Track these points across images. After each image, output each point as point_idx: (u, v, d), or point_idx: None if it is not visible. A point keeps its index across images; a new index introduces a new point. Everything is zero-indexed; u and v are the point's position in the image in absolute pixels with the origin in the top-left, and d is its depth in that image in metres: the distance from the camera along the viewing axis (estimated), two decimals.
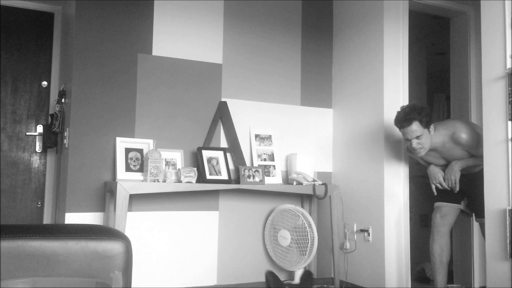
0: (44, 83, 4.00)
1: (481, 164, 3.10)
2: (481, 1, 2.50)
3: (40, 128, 3.94)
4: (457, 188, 3.10)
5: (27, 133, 3.94)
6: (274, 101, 3.94)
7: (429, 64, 5.17)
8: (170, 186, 3.20)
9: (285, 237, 3.59)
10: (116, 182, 3.02)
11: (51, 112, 3.83)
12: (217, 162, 3.51)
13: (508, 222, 2.25)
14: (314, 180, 3.62)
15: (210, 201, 3.65)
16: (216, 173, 3.47)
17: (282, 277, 3.76)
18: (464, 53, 3.94)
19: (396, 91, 3.57)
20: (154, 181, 3.16)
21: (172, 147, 3.51)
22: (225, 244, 3.66)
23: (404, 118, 3.03)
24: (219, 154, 3.54)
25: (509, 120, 2.32)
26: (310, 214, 3.69)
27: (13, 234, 1.54)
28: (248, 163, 3.70)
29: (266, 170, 3.71)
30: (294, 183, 3.65)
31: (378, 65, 3.62)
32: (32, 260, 1.51)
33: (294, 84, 4.04)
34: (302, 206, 3.86)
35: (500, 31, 2.37)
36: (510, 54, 2.34)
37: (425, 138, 3.02)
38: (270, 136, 3.86)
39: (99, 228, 1.88)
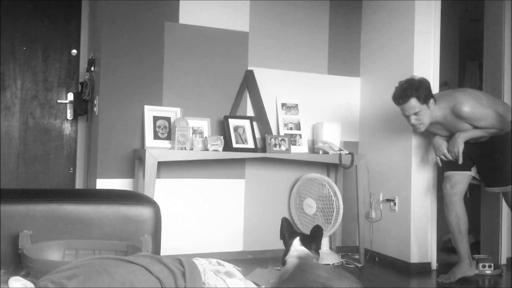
0: (74, 51, 4.06)
1: (487, 136, 3.03)
2: None
3: (70, 96, 4.02)
4: (461, 160, 3.03)
5: (58, 101, 4.03)
6: (301, 69, 3.90)
7: (462, 31, 5.01)
8: (197, 154, 3.24)
9: (311, 206, 3.61)
10: (145, 150, 3.07)
11: (81, 80, 3.89)
12: (244, 131, 3.53)
13: None
14: (340, 150, 3.61)
15: (237, 169, 3.69)
16: (243, 141, 3.49)
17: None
18: (498, 19, 3.80)
19: (426, 60, 3.49)
20: (182, 149, 3.20)
21: (199, 115, 3.54)
22: (251, 212, 3.72)
23: (401, 94, 2.96)
24: (246, 123, 3.56)
25: None
26: (335, 183, 3.70)
27: (48, 198, 1.60)
28: (274, 132, 3.71)
29: (292, 139, 3.71)
30: (320, 152, 3.65)
31: (408, 32, 3.53)
32: (66, 223, 1.57)
33: (321, 52, 3.98)
34: (328, 175, 3.87)
35: None
36: None
37: (423, 114, 2.94)
38: (297, 105, 3.85)
39: (130, 193, 1.93)
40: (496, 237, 3.62)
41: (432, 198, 3.49)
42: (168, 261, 1.20)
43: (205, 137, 3.38)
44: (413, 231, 3.45)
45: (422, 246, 3.47)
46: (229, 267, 1.28)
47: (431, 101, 2.96)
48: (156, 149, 3.19)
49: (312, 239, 1.78)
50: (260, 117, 3.68)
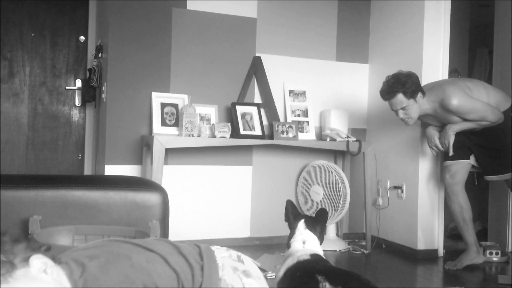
0: (82, 38, 4.06)
1: (479, 128, 3.00)
2: None
3: (79, 83, 4.03)
4: (451, 152, 3.02)
5: (67, 87, 4.04)
6: (309, 56, 3.88)
7: (472, 17, 4.94)
8: (204, 141, 3.25)
9: (318, 193, 3.62)
10: (153, 136, 3.09)
11: (89, 66, 3.90)
12: (251, 118, 3.52)
13: None
14: (348, 137, 3.61)
15: (244, 156, 3.70)
16: (250, 128, 3.49)
17: None
18: (509, 4, 3.74)
19: (436, 46, 3.45)
20: (189, 136, 3.21)
21: (207, 102, 3.54)
22: (258, 198, 3.74)
23: (387, 90, 2.95)
24: (253, 110, 3.56)
25: None
26: (343, 170, 3.70)
27: (57, 184, 1.61)
28: (281, 119, 3.71)
29: (300, 126, 3.71)
30: (328, 139, 3.64)
31: (418, 18, 3.49)
32: (74, 208, 1.58)
33: (329, 39, 3.96)
34: (335, 162, 3.86)
35: None
36: None
37: (411, 108, 2.93)
38: (304, 92, 3.84)
39: (138, 180, 1.95)
40: (504, 224, 3.61)
41: (440, 185, 3.48)
42: (187, 252, 1.17)
43: (213, 124, 3.39)
44: (420, 218, 3.45)
45: (429, 233, 3.47)
46: (248, 262, 1.25)
47: (419, 95, 2.93)
48: (164, 135, 3.20)
49: (317, 222, 1.78)
50: (268, 104, 3.67)
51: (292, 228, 1.80)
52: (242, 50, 3.68)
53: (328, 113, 3.76)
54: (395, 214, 3.67)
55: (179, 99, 3.44)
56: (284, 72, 3.79)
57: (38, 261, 0.98)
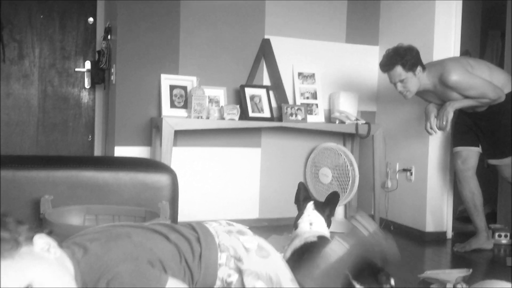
0: (90, 19, 4.05)
1: (480, 106, 2.95)
2: None
3: (88, 65, 4.04)
4: (448, 129, 2.95)
5: (76, 69, 4.05)
6: (318, 38, 3.85)
7: None
8: (213, 123, 3.25)
9: (326, 175, 3.62)
10: (162, 118, 3.10)
11: (98, 48, 3.90)
12: (260, 100, 3.52)
13: None
14: (357, 119, 3.59)
15: (253, 138, 3.70)
16: (259, 110, 3.49)
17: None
18: None
19: (447, 28, 3.41)
20: (198, 118, 3.22)
21: (215, 84, 3.53)
22: (267, 180, 3.75)
23: (386, 62, 2.94)
24: (262, 92, 3.55)
25: None
26: (352, 152, 3.69)
27: (68, 165, 1.63)
28: (290, 101, 3.70)
29: (309, 109, 3.70)
30: (337, 122, 3.63)
31: (429, 0, 3.44)
32: (85, 189, 1.60)
33: (339, 21, 3.91)
34: (344, 145, 3.86)
35: None
36: None
37: (409, 81, 2.91)
38: (313, 74, 3.81)
39: (147, 161, 1.96)
40: None
41: (449, 168, 3.46)
42: (182, 229, 1.22)
43: (221, 106, 3.39)
44: (429, 200, 3.45)
45: (437, 215, 3.47)
46: (239, 226, 1.31)
47: (418, 69, 2.91)
48: (173, 117, 3.21)
49: (326, 205, 1.79)
50: (277, 86, 3.66)
51: (301, 209, 1.81)
52: (251, 32, 3.65)
53: (337, 95, 3.74)
54: (403, 197, 3.67)
55: (188, 81, 3.44)
56: (293, 54, 3.77)
57: (42, 240, 1.01)
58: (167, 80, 3.41)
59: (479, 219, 3.10)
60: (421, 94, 3.08)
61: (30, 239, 0.99)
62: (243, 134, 3.66)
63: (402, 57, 2.88)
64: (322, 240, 1.62)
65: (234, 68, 3.61)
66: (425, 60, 3.13)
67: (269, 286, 1.18)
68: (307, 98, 3.75)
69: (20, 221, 1.02)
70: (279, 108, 3.56)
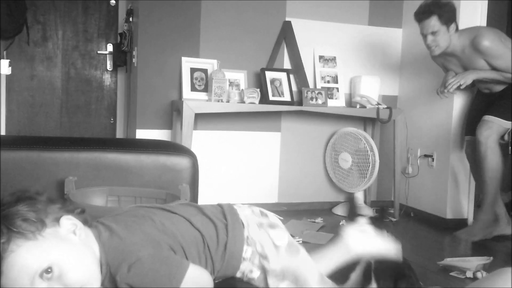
0: (113, 1, 4.07)
1: (501, 80, 2.86)
2: None
3: (110, 47, 4.06)
4: (462, 87, 2.87)
5: (98, 52, 4.08)
6: (340, 20, 3.80)
7: None
8: (233, 106, 3.26)
9: (346, 160, 3.61)
10: (182, 102, 3.11)
11: (120, 31, 3.92)
12: (280, 84, 3.50)
13: None
14: (378, 104, 3.55)
15: (273, 122, 3.70)
16: (279, 94, 3.48)
17: (341, 198, 3.83)
18: None
19: (473, 13, 3.32)
20: (218, 101, 3.23)
21: (236, 67, 3.53)
22: (286, 164, 3.75)
23: (423, 9, 2.84)
24: (282, 76, 3.53)
25: None
26: (372, 137, 3.66)
27: (91, 146, 1.65)
28: (311, 85, 3.67)
29: (329, 93, 3.67)
30: (358, 106, 3.60)
31: None
32: (108, 170, 1.62)
33: (362, 2, 3.85)
34: (365, 130, 3.83)
35: None
36: None
37: (441, 36, 2.82)
38: (335, 57, 3.77)
39: (168, 143, 1.98)
40: None
41: None
42: (210, 213, 1.19)
43: (242, 89, 3.38)
44: (450, 187, 3.41)
45: (458, 202, 3.44)
46: (272, 216, 1.26)
47: (453, 25, 2.83)
48: (193, 101, 3.23)
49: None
50: (297, 69, 3.64)
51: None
52: (272, 15, 3.62)
53: (358, 79, 3.70)
54: (424, 183, 3.64)
55: (209, 64, 3.44)
56: (314, 37, 3.73)
57: (68, 221, 1.02)
58: (188, 63, 3.41)
59: (499, 207, 3.06)
60: (444, 59, 3.01)
61: (57, 221, 1.00)
62: (263, 118, 3.66)
63: (441, 8, 2.80)
64: None
65: (254, 51, 3.59)
66: None
67: (294, 286, 1.15)
68: (328, 82, 3.72)
69: (52, 200, 1.04)
70: (300, 92, 3.54)
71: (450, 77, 2.96)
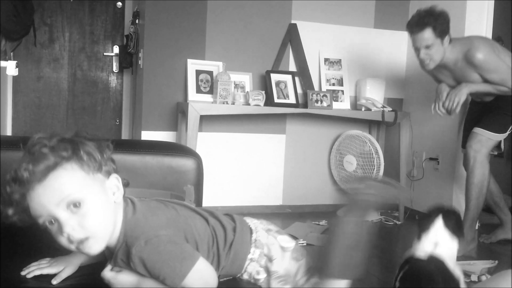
0: (119, 4, 4.09)
1: (494, 93, 2.77)
2: None
3: (116, 49, 4.08)
4: (457, 111, 2.78)
5: (105, 54, 4.10)
6: (345, 23, 3.80)
7: None
8: (238, 108, 3.26)
9: (351, 163, 3.61)
10: (188, 103, 3.12)
11: (126, 33, 3.94)
12: (285, 86, 3.51)
13: None
14: (383, 106, 3.55)
15: (277, 125, 3.70)
16: (284, 96, 3.48)
17: (344, 200, 3.82)
18: None
19: (480, 13, 3.31)
20: (223, 103, 3.23)
21: (241, 70, 3.53)
22: (291, 167, 3.75)
23: (417, 22, 2.69)
24: (288, 78, 3.54)
25: None
26: (377, 140, 3.66)
27: None
28: (316, 88, 3.68)
29: (334, 95, 3.67)
30: (363, 109, 3.59)
31: None
32: None
33: (368, 5, 3.85)
34: (370, 133, 3.82)
35: None
36: None
37: (435, 49, 2.69)
38: (340, 60, 3.78)
39: (173, 145, 1.99)
40: None
41: None
42: (221, 217, 1.22)
43: (247, 91, 3.39)
44: (455, 190, 3.40)
45: (464, 206, 3.42)
46: (278, 228, 1.29)
47: (446, 37, 2.71)
48: (199, 102, 3.24)
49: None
50: (302, 72, 3.64)
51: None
52: (278, 17, 3.63)
53: (363, 82, 3.70)
54: (429, 186, 3.63)
55: (214, 66, 3.45)
56: (319, 40, 3.74)
57: (116, 181, 1.08)
58: (193, 65, 3.42)
59: (503, 214, 3.04)
60: (436, 71, 2.90)
61: (108, 174, 1.07)
62: (268, 120, 3.66)
63: (435, 19, 2.67)
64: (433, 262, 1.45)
65: (260, 54, 3.60)
66: None
67: None
68: (333, 84, 3.72)
69: (112, 158, 1.10)
70: (305, 94, 3.54)
71: (444, 94, 2.87)
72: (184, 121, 3.28)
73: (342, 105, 3.69)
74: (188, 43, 3.46)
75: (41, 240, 1.09)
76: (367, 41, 3.87)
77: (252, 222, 1.25)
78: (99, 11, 4.06)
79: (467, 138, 2.88)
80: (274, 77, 3.50)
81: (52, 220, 0.99)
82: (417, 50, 2.78)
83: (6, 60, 3.03)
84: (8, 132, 3.74)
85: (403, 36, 3.95)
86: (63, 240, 1.00)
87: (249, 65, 3.57)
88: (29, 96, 3.94)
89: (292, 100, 3.48)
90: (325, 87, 3.68)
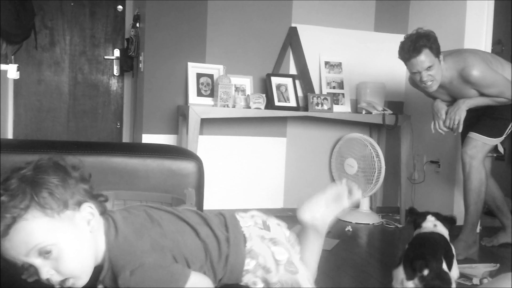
0: (120, 7, 4.10)
1: (494, 104, 2.72)
2: None
3: (117, 52, 4.09)
4: (460, 129, 2.74)
5: (105, 57, 4.11)
6: (346, 26, 3.80)
7: None
8: (239, 112, 3.27)
9: (352, 166, 3.60)
10: (188, 107, 3.12)
11: (126, 36, 3.95)
12: (286, 89, 3.51)
13: None
14: (384, 109, 3.55)
15: (278, 128, 3.70)
16: (285, 100, 3.48)
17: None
18: None
19: (480, 16, 3.32)
20: (224, 106, 3.23)
21: (242, 73, 3.54)
22: (292, 170, 3.75)
23: (412, 47, 2.60)
24: (288, 81, 3.54)
25: None
26: (378, 143, 3.65)
27: (97, 150, 1.66)
28: (317, 91, 3.68)
29: (335, 98, 3.67)
30: (363, 112, 3.59)
31: None
32: (114, 174, 1.63)
33: (368, 8, 3.86)
34: (371, 136, 3.82)
35: None
36: None
37: (436, 69, 2.62)
38: (340, 63, 3.78)
39: (174, 148, 1.98)
40: None
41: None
42: (214, 225, 1.17)
43: (248, 94, 3.39)
44: (457, 193, 3.40)
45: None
46: (273, 228, 1.24)
47: (441, 56, 2.66)
48: (199, 106, 3.24)
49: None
50: (303, 75, 3.64)
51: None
52: (278, 21, 3.64)
53: (364, 85, 3.70)
54: (431, 189, 3.63)
55: (215, 69, 3.45)
56: (320, 43, 3.74)
57: (88, 210, 1.02)
58: (194, 68, 3.43)
59: (505, 218, 3.04)
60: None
61: (78, 204, 1.00)
62: (269, 123, 3.66)
63: (428, 40, 2.60)
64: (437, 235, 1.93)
65: (260, 57, 3.61)
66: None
67: None
68: (334, 87, 3.72)
69: (83, 179, 1.03)
70: (305, 97, 3.54)
71: (443, 112, 2.83)
72: (185, 124, 3.28)
73: (343, 108, 3.69)
74: (188, 46, 3.47)
75: None
76: (367, 44, 3.87)
77: (246, 225, 1.19)
78: (99, 14, 4.07)
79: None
80: (275, 80, 3.50)
81: (29, 265, 0.96)
82: (417, 74, 2.69)
83: (7, 63, 3.03)
84: (9, 135, 3.74)
85: None
86: (44, 281, 0.98)
87: (250, 68, 3.58)
88: (30, 100, 3.95)
89: (292, 103, 3.48)
90: (325, 90, 3.68)
